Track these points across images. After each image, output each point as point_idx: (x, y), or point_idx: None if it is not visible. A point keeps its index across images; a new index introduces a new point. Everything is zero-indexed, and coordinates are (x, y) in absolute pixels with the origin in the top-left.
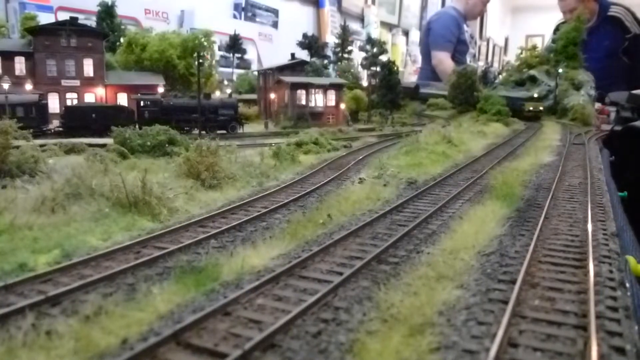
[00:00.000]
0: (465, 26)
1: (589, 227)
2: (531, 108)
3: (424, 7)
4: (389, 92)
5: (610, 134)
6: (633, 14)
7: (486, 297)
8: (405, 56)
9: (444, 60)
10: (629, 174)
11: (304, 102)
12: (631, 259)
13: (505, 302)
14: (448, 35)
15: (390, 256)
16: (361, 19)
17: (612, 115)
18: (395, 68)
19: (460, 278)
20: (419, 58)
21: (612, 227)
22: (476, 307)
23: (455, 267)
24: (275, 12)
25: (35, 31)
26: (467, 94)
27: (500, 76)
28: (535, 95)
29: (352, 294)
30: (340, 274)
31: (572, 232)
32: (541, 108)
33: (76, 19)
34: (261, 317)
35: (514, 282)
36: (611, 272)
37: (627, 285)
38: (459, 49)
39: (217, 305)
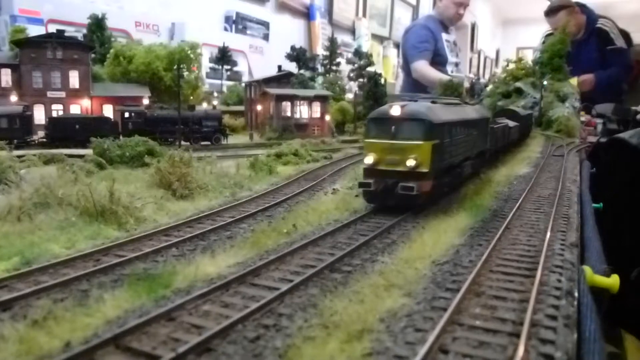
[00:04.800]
0: (444, 34)
1: (547, 237)
2: (383, 167)
3: (414, 20)
4: (375, 104)
5: (596, 145)
6: (618, 27)
7: (430, 305)
8: (397, 68)
9: (423, 68)
10: (607, 186)
11: (289, 114)
12: (587, 269)
13: (446, 310)
14: (421, 43)
15: (344, 265)
16: (352, 31)
17: (599, 127)
18: (382, 80)
19: (409, 286)
20: None
21: (572, 237)
22: (417, 314)
23: (407, 275)
24: (266, 24)
25: (21, 43)
26: None
27: (487, 88)
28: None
29: (298, 301)
30: (291, 281)
31: (530, 242)
32: (410, 163)
33: (63, 31)
34: (204, 323)
35: (459, 290)
36: (559, 281)
37: (576, 294)
38: (436, 60)
39: (162, 310)
